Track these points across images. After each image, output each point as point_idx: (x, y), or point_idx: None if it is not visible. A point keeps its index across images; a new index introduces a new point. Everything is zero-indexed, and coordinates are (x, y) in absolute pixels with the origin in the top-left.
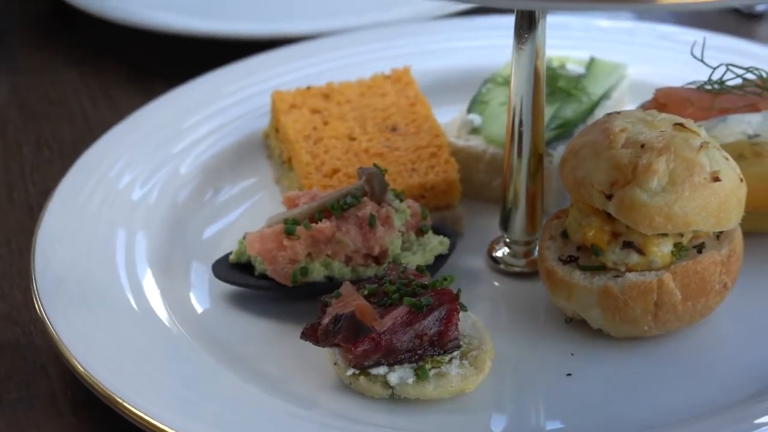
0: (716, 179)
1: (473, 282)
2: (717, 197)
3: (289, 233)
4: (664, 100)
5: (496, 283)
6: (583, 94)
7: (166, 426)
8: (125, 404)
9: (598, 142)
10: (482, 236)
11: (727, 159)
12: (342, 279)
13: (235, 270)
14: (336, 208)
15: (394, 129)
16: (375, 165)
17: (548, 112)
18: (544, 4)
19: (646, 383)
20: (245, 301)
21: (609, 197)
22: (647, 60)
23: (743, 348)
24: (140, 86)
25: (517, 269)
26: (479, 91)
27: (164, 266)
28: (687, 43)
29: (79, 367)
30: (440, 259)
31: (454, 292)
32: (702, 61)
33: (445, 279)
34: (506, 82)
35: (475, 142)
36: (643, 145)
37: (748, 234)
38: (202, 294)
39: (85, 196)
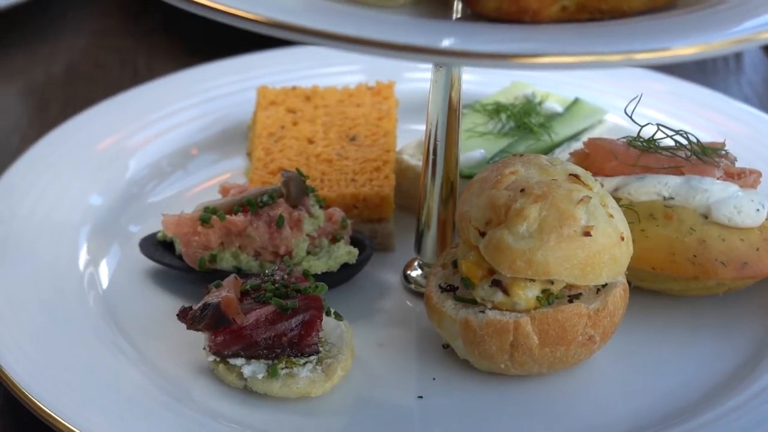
0: (587, 234)
1: (382, 296)
2: (585, 251)
3: (203, 221)
4: (589, 150)
5: (408, 302)
6: (546, 132)
7: (32, 395)
8: None
9: (487, 179)
10: (411, 254)
11: (611, 216)
12: (249, 271)
13: (160, 247)
14: (252, 205)
15: (353, 139)
16: (297, 170)
17: (500, 144)
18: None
19: (492, 418)
20: (163, 278)
21: (482, 234)
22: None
23: (602, 402)
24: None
25: (424, 290)
26: None
27: (103, 236)
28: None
29: None
30: (349, 268)
31: (322, 300)
32: (631, 117)
33: (317, 287)
34: (483, 109)
35: None
36: (523, 190)
37: (650, 292)
38: (127, 267)
39: (55, 156)
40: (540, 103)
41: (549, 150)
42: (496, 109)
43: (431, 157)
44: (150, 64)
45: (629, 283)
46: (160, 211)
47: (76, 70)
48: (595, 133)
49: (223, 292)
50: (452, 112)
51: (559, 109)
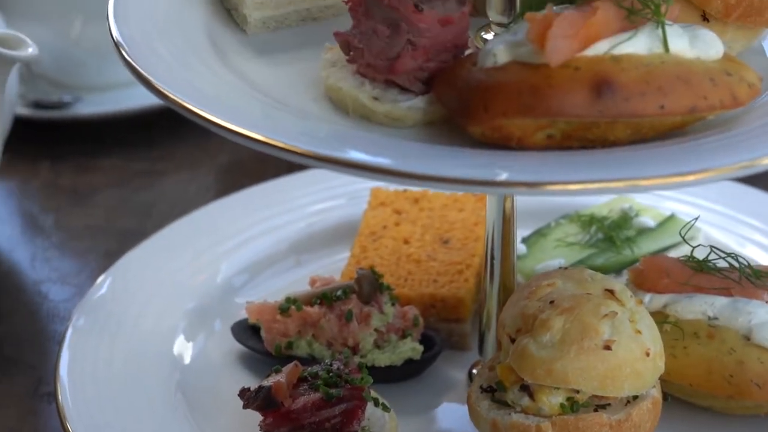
0: (607, 347)
1: (443, 393)
2: (604, 364)
3: (282, 310)
4: (644, 267)
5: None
6: (629, 246)
7: None
8: None
9: (525, 289)
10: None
11: (638, 332)
12: (321, 359)
13: (249, 331)
14: (328, 298)
15: (445, 242)
16: (372, 270)
17: (582, 255)
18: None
19: None
20: (248, 360)
21: (513, 341)
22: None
23: None
24: None
25: None
26: (548, 224)
27: (203, 312)
28: None
29: None
30: (415, 364)
31: (366, 390)
32: (684, 239)
33: (362, 378)
34: (578, 219)
35: None
36: (552, 302)
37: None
38: (216, 345)
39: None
40: (635, 217)
41: (625, 264)
42: (590, 221)
43: (489, 261)
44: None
45: (667, 396)
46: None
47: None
48: (685, 250)
49: (279, 377)
50: (506, 221)
51: (651, 224)
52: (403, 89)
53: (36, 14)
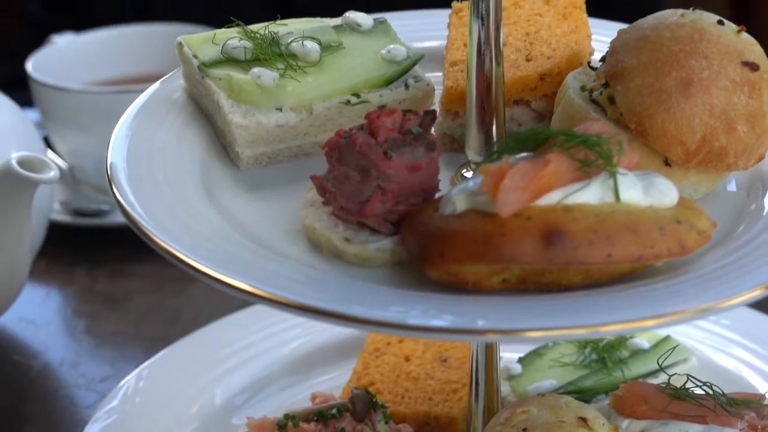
0: None
1: None
2: None
3: (280, 426)
4: (623, 393)
5: None
6: (620, 368)
7: None
8: None
9: (500, 416)
10: None
11: None
12: None
13: None
14: (323, 416)
15: (444, 360)
16: (365, 389)
17: (574, 376)
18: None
19: None
20: None
21: None
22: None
23: None
24: None
25: None
26: (546, 344)
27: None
28: None
29: None
30: None
31: None
32: (660, 367)
33: None
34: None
35: (504, 388)
36: (525, 429)
37: None
38: None
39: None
40: (631, 338)
41: (614, 387)
42: (585, 341)
43: (474, 385)
44: None
45: None
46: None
47: None
48: (676, 370)
49: None
50: (489, 348)
51: (646, 345)
52: (374, 231)
53: (78, 124)
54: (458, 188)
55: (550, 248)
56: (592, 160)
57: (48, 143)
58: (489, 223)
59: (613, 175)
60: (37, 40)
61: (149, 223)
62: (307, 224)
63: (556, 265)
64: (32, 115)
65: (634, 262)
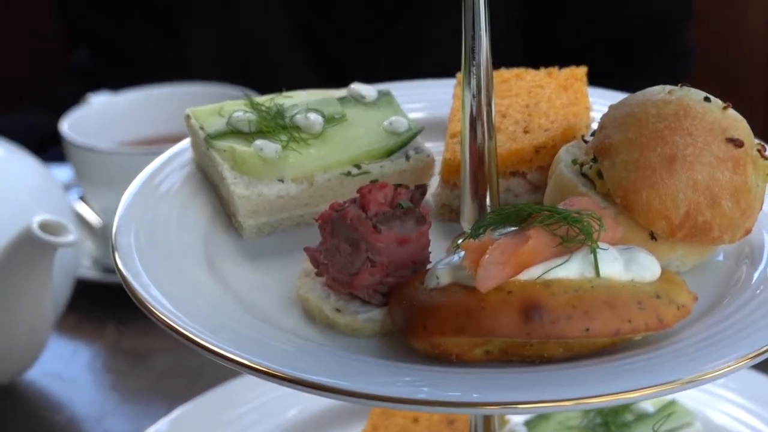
0: None
1: None
2: None
3: None
4: None
5: None
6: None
7: None
8: None
9: None
10: None
11: None
12: None
13: None
14: None
15: (451, 422)
16: None
17: None
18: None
19: None
20: None
21: None
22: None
23: None
24: None
25: None
26: None
27: None
28: None
29: None
30: None
31: None
32: None
33: None
34: None
35: None
36: None
37: None
38: None
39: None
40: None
41: None
42: None
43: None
44: None
45: None
46: None
47: None
48: None
49: None
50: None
51: (651, 409)
52: (365, 302)
53: (109, 183)
54: (443, 262)
55: (528, 322)
56: (573, 236)
57: (84, 200)
58: (470, 297)
59: (593, 250)
60: (85, 88)
61: (148, 295)
62: (301, 294)
63: (535, 338)
64: (69, 171)
65: (612, 336)
